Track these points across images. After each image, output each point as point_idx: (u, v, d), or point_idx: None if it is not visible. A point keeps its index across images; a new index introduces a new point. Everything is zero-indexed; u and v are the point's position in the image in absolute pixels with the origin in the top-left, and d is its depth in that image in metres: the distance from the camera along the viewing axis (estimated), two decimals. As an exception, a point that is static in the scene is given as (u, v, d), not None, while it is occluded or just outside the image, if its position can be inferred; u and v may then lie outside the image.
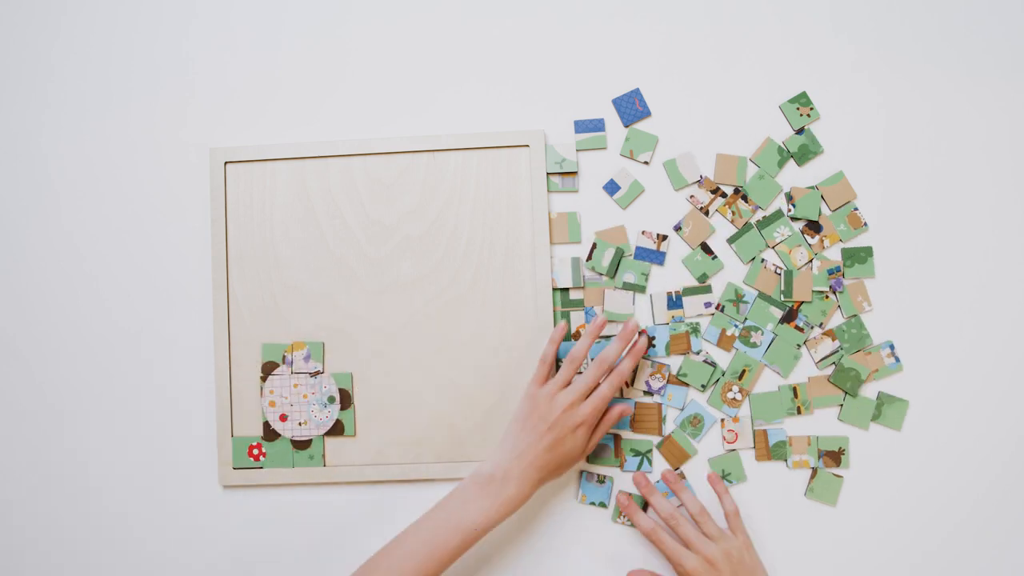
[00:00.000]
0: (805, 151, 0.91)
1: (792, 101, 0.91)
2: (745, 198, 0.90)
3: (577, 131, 0.92)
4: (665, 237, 0.90)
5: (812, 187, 0.90)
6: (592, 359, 0.87)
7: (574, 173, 0.91)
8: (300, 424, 0.91)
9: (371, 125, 0.93)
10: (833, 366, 0.89)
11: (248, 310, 0.92)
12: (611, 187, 0.91)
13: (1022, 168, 0.90)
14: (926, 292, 0.90)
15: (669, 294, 0.90)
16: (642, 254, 0.91)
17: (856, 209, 0.90)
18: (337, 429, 0.91)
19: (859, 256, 0.90)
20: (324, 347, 0.91)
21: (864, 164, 0.90)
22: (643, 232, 0.90)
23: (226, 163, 0.92)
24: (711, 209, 0.90)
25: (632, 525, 0.88)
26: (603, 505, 0.89)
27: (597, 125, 0.92)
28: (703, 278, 0.90)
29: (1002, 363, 0.89)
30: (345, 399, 0.90)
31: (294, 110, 0.94)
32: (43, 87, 0.95)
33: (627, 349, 0.86)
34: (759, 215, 0.90)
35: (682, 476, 0.89)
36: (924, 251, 0.90)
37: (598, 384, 0.83)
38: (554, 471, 0.82)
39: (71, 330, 0.93)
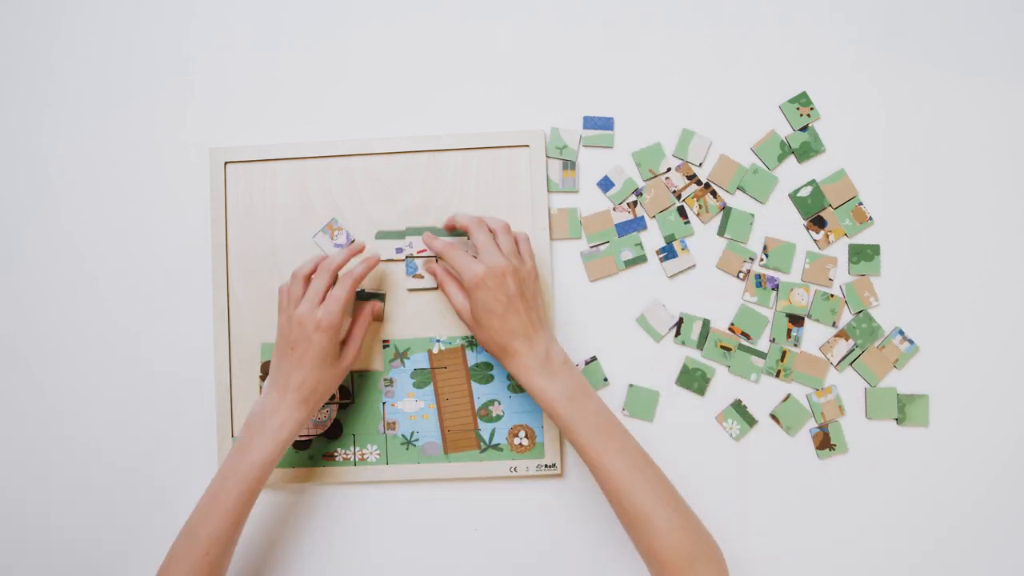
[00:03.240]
0: (807, 148, 0.91)
1: (792, 101, 0.91)
2: (714, 194, 0.90)
3: (585, 127, 0.92)
4: (635, 203, 0.91)
5: (811, 180, 0.90)
6: None
7: (573, 166, 0.91)
8: (300, 424, 0.91)
9: (371, 125, 0.93)
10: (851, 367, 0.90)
11: (248, 310, 0.91)
12: (605, 184, 0.91)
13: (1022, 165, 0.90)
14: (929, 289, 0.90)
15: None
16: (624, 228, 0.91)
17: (861, 204, 0.90)
18: (336, 429, 0.91)
19: (865, 253, 0.90)
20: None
21: (864, 164, 0.91)
22: (614, 208, 0.91)
23: (226, 163, 0.92)
24: (683, 194, 0.91)
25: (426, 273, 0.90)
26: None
27: (606, 123, 0.92)
28: (671, 238, 0.91)
29: (1008, 355, 0.90)
30: (344, 396, 0.91)
31: (294, 110, 0.94)
32: (43, 87, 0.95)
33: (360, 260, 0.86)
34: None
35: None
36: (925, 249, 0.90)
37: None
38: (315, 386, 0.81)
39: (71, 330, 0.93)
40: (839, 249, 0.90)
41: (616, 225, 0.91)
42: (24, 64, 0.96)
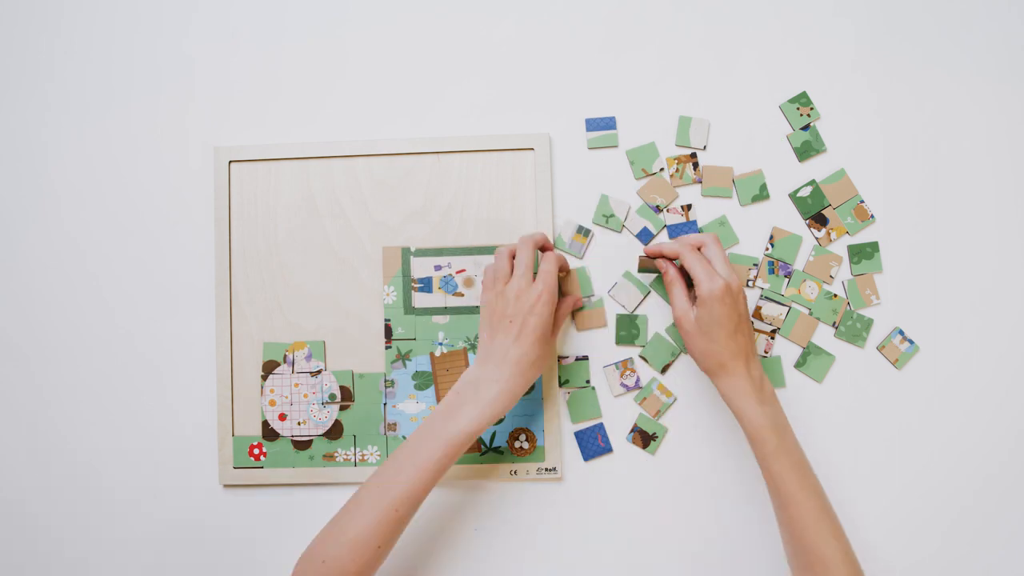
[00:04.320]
0: (808, 148, 0.91)
1: (792, 101, 0.91)
2: (696, 166, 0.91)
3: (588, 129, 0.92)
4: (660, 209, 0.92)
5: (811, 180, 0.90)
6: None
7: (587, 234, 0.92)
8: (299, 424, 0.91)
9: (374, 126, 0.94)
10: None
11: (250, 309, 0.92)
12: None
13: (1022, 165, 0.90)
14: (930, 288, 0.90)
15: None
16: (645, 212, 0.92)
17: (862, 202, 0.90)
18: (337, 430, 0.90)
19: (865, 252, 0.90)
20: (325, 346, 0.91)
21: (865, 163, 0.91)
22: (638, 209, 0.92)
23: (230, 162, 0.93)
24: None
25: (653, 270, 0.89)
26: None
27: (608, 123, 0.92)
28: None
29: (1009, 355, 0.89)
30: (346, 397, 0.90)
31: (299, 110, 0.94)
32: (43, 87, 0.96)
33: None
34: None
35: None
36: (926, 248, 0.90)
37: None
38: (532, 361, 0.81)
39: (73, 329, 0.94)
40: (841, 247, 0.90)
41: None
42: (24, 64, 0.97)
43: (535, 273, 0.83)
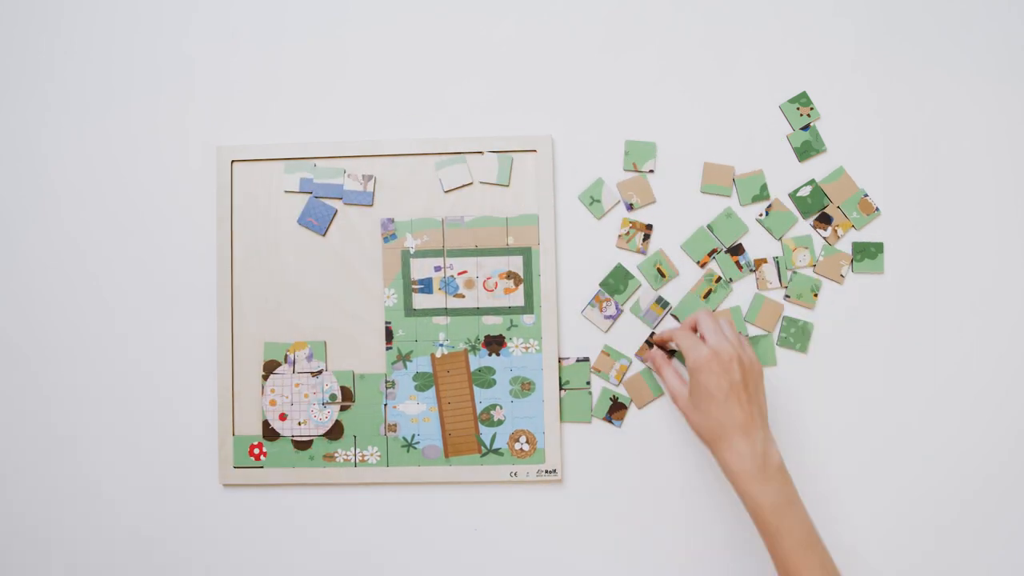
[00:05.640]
0: (808, 147, 0.91)
1: (792, 101, 0.91)
2: (647, 237, 0.91)
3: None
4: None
5: (811, 180, 0.91)
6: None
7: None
8: (299, 424, 0.91)
9: (377, 126, 0.93)
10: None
11: (252, 309, 0.92)
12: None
13: (1022, 165, 0.90)
14: (930, 288, 0.90)
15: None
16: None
17: (866, 195, 0.90)
18: (337, 430, 0.90)
19: (869, 251, 0.90)
20: (326, 347, 0.91)
21: (865, 163, 0.91)
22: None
23: (233, 161, 0.93)
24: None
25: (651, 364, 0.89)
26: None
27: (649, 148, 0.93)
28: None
29: (1009, 355, 0.89)
30: (347, 397, 0.90)
31: (299, 110, 0.94)
32: (44, 87, 0.96)
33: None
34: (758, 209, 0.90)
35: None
36: (926, 248, 0.90)
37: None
38: (762, 401, 0.80)
39: (73, 329, 0.94)
40: (847, 244, 0.90)
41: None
42: (24, 64, 0.97)
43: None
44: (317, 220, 0.91)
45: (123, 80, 0.96)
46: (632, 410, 0.90)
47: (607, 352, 0.90)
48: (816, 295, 0.90)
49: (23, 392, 0.94)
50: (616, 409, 0.90)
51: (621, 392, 0.90)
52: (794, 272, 0.90)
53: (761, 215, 0.90)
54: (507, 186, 0.91)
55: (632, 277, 0.91)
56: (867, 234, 0.90)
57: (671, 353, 0.89)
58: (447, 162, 0.92)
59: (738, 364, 0.78)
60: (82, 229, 0.95)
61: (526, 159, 0.92)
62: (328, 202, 0.92)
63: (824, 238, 0.90)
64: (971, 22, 0.91)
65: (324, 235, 0.92)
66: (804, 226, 0.90)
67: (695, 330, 0.83)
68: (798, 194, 0.91)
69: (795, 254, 0.90)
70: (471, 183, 0.91)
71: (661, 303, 0.90)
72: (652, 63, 0.93)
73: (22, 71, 0.97)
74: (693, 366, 0.79)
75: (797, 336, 0.89)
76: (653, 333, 0.90)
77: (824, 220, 0.90)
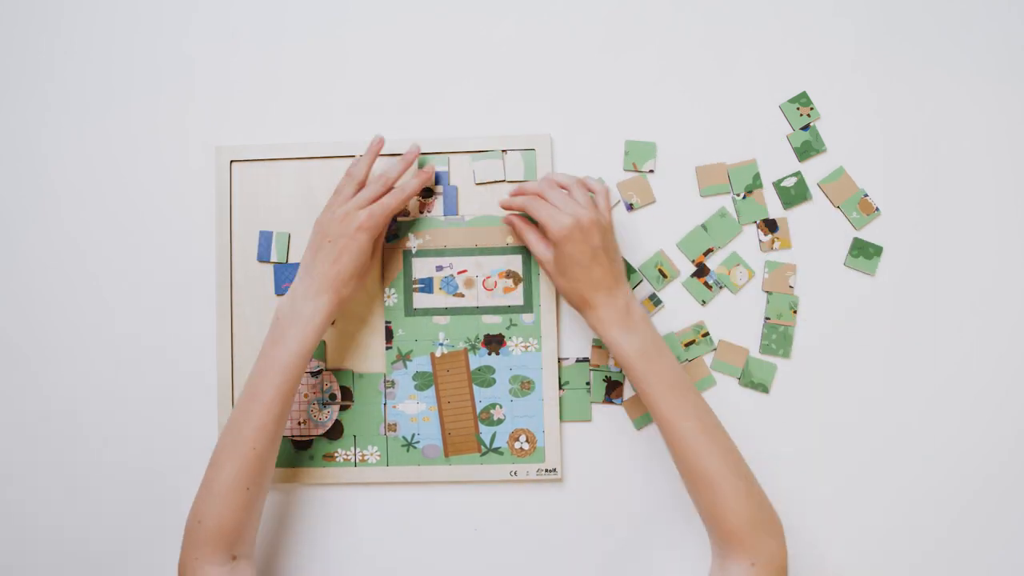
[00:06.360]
0: (807, 147, 0.91)
1: (792, 101, 0.91)
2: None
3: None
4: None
5: (797, 172, 0.91)
6: None
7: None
8: (299, 424, 0.91)
9: (376, 126, 0.93)
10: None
11: (251, 309, 0.92)
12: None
13: (1022, 165, 0.90)
14: (930, 288, 0.90)
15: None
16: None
17: (866, 195, 0.90)
18: (337, 430, 0.90)
19: (867, 251, 0.90)
20: (326, 347, 0.91)
21: (865, 163, 0.91)
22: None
23: (232, 162, 0.93)
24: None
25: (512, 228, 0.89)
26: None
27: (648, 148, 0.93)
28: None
29: (1009, 355, 0.89)
30: (346, 397, 0.90)
31: (299, 110, 0.94)
32: (43, 87, 0.96)
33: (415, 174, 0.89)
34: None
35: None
36: (926, 248, 0.90)
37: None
38: (347, 280, 0.83)
39: (73, 329, 0.94)
40: (789, 256, 0.90)
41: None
42: (24, 64, 0.97)
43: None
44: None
45: (123, 80, 0.96)
46: (631, 407, 0.90)
47: (597, 344, 0.90)
48: (795, 311, 0.89)
49: (23, 392, 0.94)
50: (612, 388, 0.90)
51: (612, 370, 0.90)
52: (770, 294, 0.90)
53: (740, 195, 0.91)
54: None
55: (634, 271, 0.91)
56: (867, 234, 0.90)
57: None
58: (481, 156, 0.92)
59: (597, 228, 0.81)
60: (82, 229, 0.95)
61: (526, 157, 0.92)
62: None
63: (760, 242, 0.90)
64: (971, 22, 0.91)
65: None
66: (744, 239, 0.91)
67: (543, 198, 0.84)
68: (782, 184, 0.91)
69: (732, 274, 0.90)
70: (503, 180, 0.92)
71: (654, 300, 0.90)
72: (652, 63, 0.93)
73: (22, 71, 0.97)
74: (556, 238, 0.81)
75: (779, 342, 0.89)
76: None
77: (770, 227, 0.90)
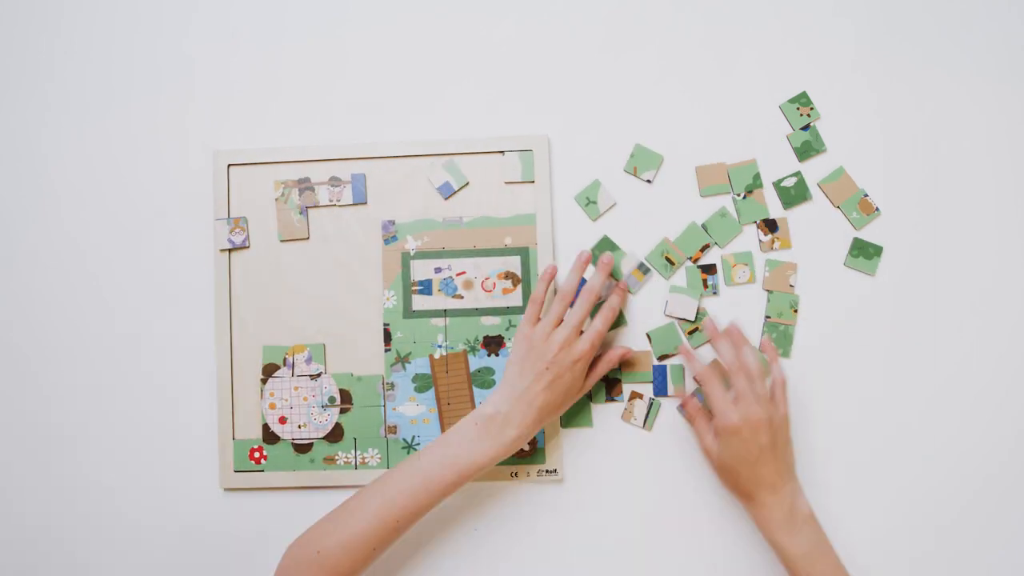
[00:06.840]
0: (808, 148, 0.91)
1: (792, 101, 0.91)
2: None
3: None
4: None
5: (797, 172, 0.90)
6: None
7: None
8: (299, 427, 0.91)
9: (375, 127, 0.93)
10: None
11: (250, 312, 0.92)
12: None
13: (1022, 165, 0.90)
14: (929, 288, 0.90)
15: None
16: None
17: (867, 195, 0.90)
18: (337, 433, 0.91)
19: (867, 251, 0.90)
20: (325, 349, 0.91)
21: (865, 164, 0.90)
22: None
23: (229, 165, 0.93)
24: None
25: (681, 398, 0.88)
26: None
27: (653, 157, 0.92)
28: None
29: (1009, 355, 0.89)
30: (346, 400, 0.91)
31: (299, 111, 0.94)
32: (43, 87, 0.96)
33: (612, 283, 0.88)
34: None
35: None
36: (926, 248, 0.90)
37: (587, 319, 0.84)
38: (554, 410, 0.83)
39: (73, 330, 0.94)
40: (789, 255, 0.90)
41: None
42: (24, 64, 0.97)
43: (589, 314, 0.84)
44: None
45: (123, 80, 0.96)
46: (632, 410, 0.90)
47: None
48: (796, 311, 0.89)
49: (23, 392, 0.94)
50: (611, 386, 0.90)
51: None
52: (770, 292, 0.90)
53: (740, 195, 0.90)
54: (532, 182, 0.91)
55: (648, 269, 0.91)
56: (867, 234, 0.90)
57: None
58: (480, 157, 0.92)
59: (767, 428, 0.80)
60: (82, 229, 0.95)
61: (524, 159, 0.92)
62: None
63: (761, 241, 0.90)
64: (971, 22, 0.91)
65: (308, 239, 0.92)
66: (746, 239, 0.90)
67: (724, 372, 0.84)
68: (782, 184, 0.90)
69: (734, 271, 0.90)
70: (502, 180, 0.92)
71: (642, 268, 0.90)
72: (652, 63, 0.92)
73: (22, 71, 0.97)
74: (722, 431, 0.80)
75: (780, 341, 0.89)
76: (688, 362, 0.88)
77: (770, 227, 0.90)
